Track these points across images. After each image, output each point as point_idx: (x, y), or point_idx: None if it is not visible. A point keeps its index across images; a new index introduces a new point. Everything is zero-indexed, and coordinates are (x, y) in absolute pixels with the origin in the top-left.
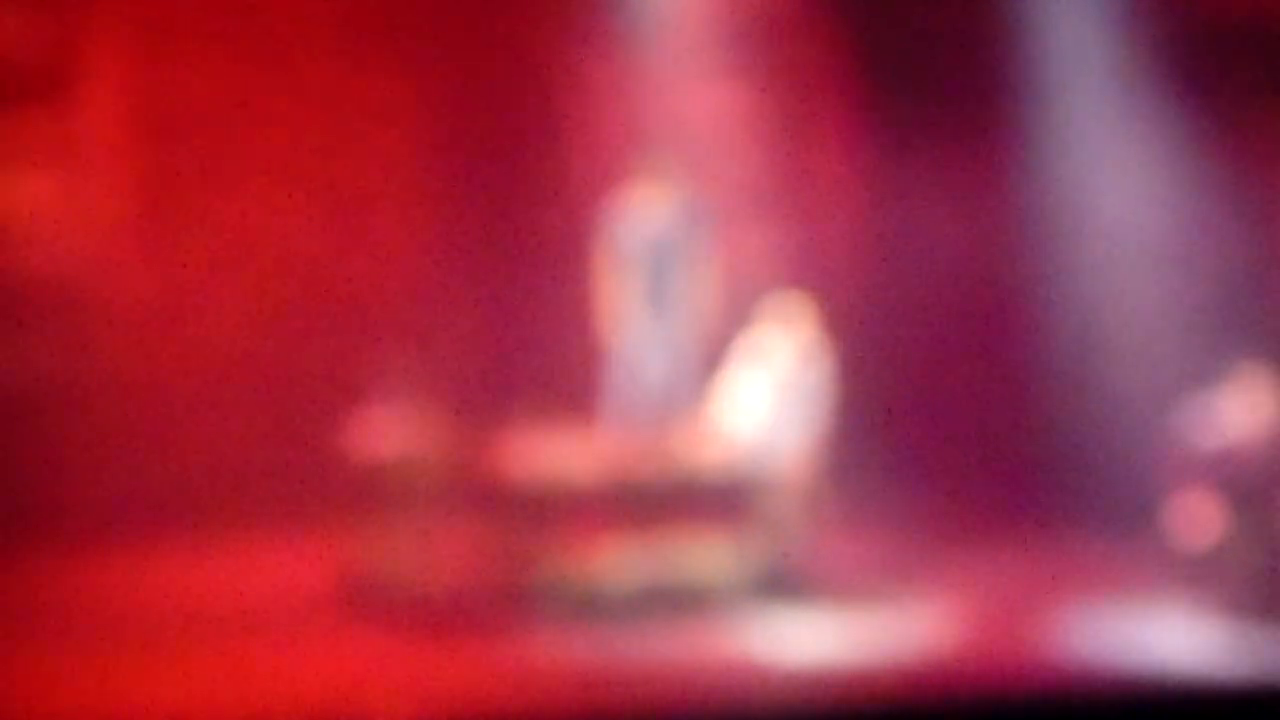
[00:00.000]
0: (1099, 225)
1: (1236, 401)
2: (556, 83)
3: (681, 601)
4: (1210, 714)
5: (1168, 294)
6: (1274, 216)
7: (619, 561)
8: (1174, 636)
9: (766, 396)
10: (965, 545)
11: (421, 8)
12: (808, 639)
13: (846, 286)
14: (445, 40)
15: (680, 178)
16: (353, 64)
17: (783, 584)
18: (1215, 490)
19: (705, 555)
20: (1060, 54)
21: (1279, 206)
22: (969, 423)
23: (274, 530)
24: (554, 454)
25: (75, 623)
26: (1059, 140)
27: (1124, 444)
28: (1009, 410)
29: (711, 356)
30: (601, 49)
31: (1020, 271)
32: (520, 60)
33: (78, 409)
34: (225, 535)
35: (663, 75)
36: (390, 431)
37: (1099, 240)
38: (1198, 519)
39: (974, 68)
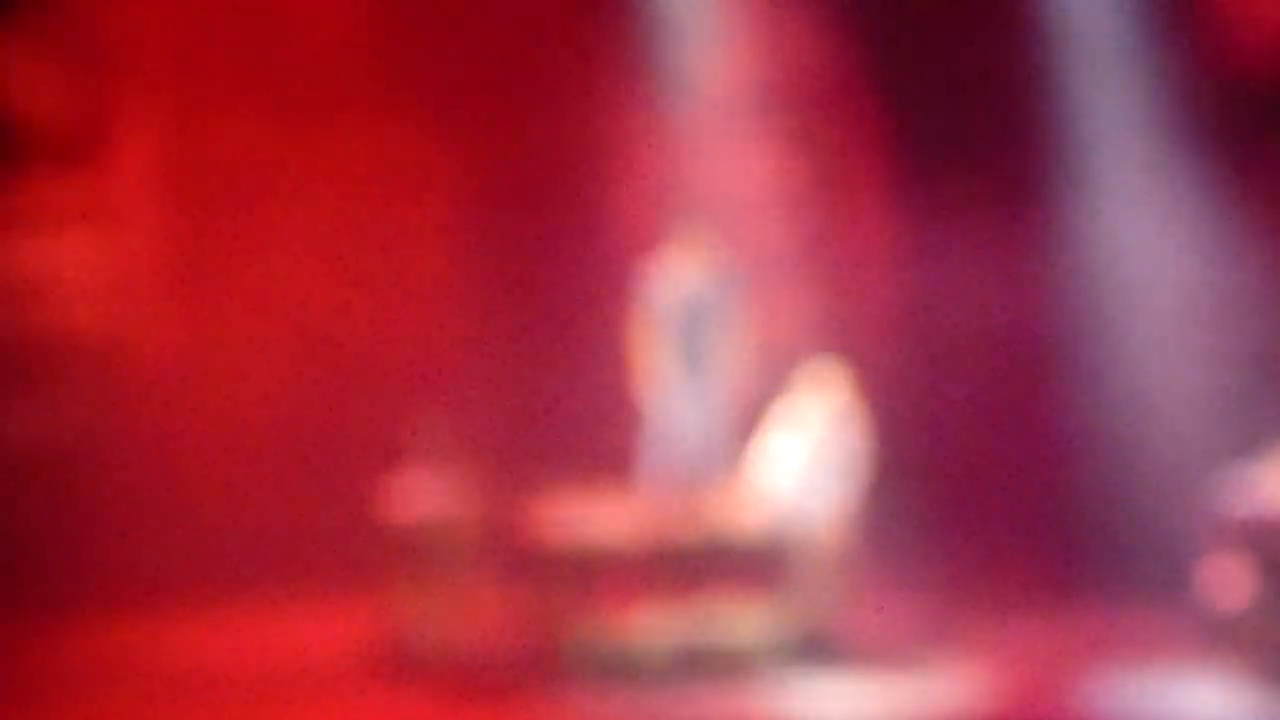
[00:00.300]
0: (1135, 293)
1: (1271, 469)
2: (594, 145)
3: (715, 665)
4: None
5: (1204, 361)
6: None
7: (653, 625)
8: (1205, 704)
9: (802, 460)
10: (999, 611)
11: (458, 68)
12: (842, 704)
13: (881, 351)
14: (482, 101)
15: (716, 241)
16: (388, 124)
17: (817, 648)
18: (1246, 557)
19: (739, 619)
20: (1095, 121)
21: None
22: (1003, 488)
23: (308, 593)
24: (589, 517)
25: (105, 685)
26: (1094, 208)
27: (1156, 510)
28: (1042, 476)
29: (747, 420)
30: (640, 113)
31: (1054, 338)
32: (558, 121)
33: (112, 469)
34: (259, 598)
35: (700, 140)
36: (424, 494)
37: (1135, 308)
38: (1229, 586)
39: (1009, 135)
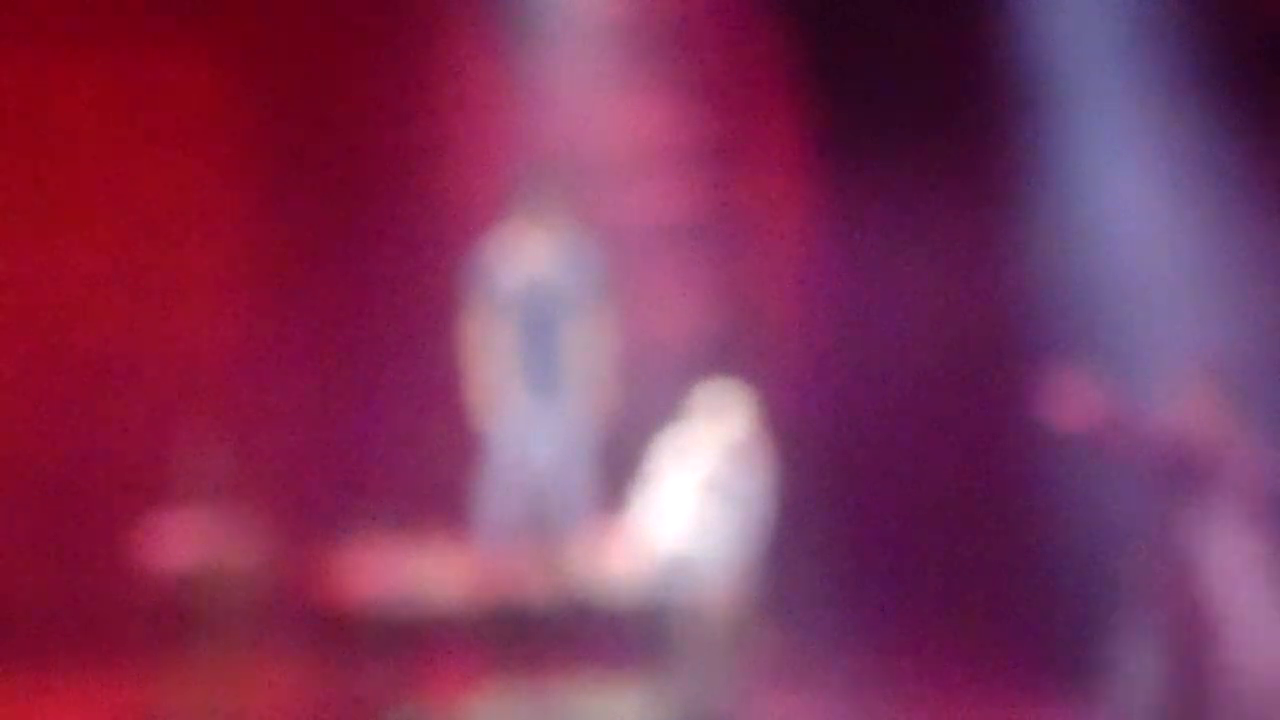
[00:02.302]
0: (1113, 272)
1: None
2: (426, 94)
3: None
4: None
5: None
6: None
7: (489, 710)
8: None
9: (687, 502)
10: (929, 700)
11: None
12: None
13: (786, 359)
14: (284, 31)
15: (575, 216)
16: (159, 56)
17: None
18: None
19: (605, 706)
20: (1044, 69)
21: None
22: (940, 531)
23: (44, 669)
24: (409, 569)
25: None
26: (1045, 166)
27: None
28: (988, 518)
29: (618, 446)
30: (486, 55)
31: (1012, 328)
32: (381, 64)
33: None
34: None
35: (563, 91)
36: (195, 540)
37: (1114, 290)
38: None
39: (943, 81)
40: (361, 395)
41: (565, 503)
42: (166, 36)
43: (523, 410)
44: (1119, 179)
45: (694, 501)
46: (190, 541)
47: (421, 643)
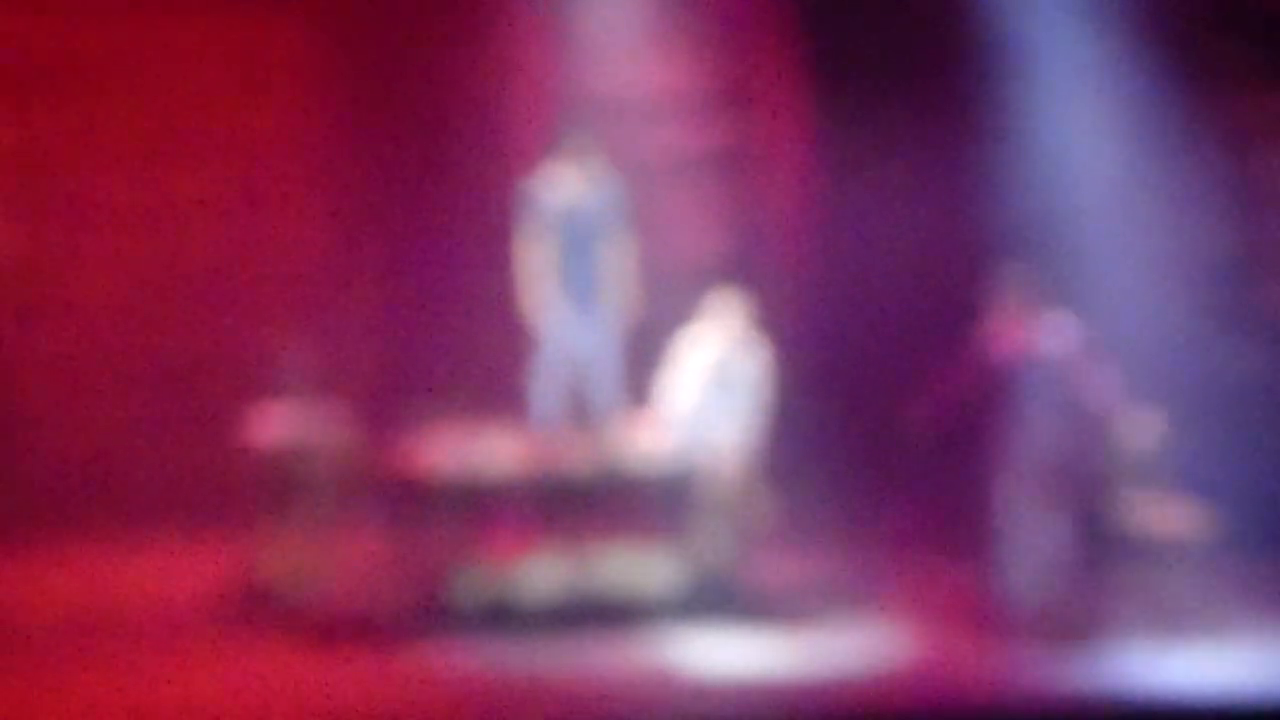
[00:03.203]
0: (1068, 208)
1: None
2: (479, 47)
3: (608, 613)
4: None
5: (1137, 279)
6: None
7: (539, 567)
8: (1106, 667)
9: (701, 388)
10: (912, 561)
11: None
12: (742, 659)
13: (785, 272)
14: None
15: (603, 152)
16: (248, 15)
17: (717, 597)
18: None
19: (635, 563)
20: (1031, 28)
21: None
22: (904, 426)
23: (165, 530)
24: (472, 448)
25: None
26: (1027, 113)
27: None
28: (963, 406)
29: (644, 344)
30: (529, 11)
31: (980, 251)
32: (441, 19)
33: None
34: (112, 535)
35: (596, 44)
36: (290, 423)
37: (1066, 216)
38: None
39: (920, 42)
40: (429, 303)
41: (600, 391)
42: (261, 7)
43: (564, 314)
44: (1073, 129)
45: (706, 388)
46: (285, 425)
47: (480, 509)
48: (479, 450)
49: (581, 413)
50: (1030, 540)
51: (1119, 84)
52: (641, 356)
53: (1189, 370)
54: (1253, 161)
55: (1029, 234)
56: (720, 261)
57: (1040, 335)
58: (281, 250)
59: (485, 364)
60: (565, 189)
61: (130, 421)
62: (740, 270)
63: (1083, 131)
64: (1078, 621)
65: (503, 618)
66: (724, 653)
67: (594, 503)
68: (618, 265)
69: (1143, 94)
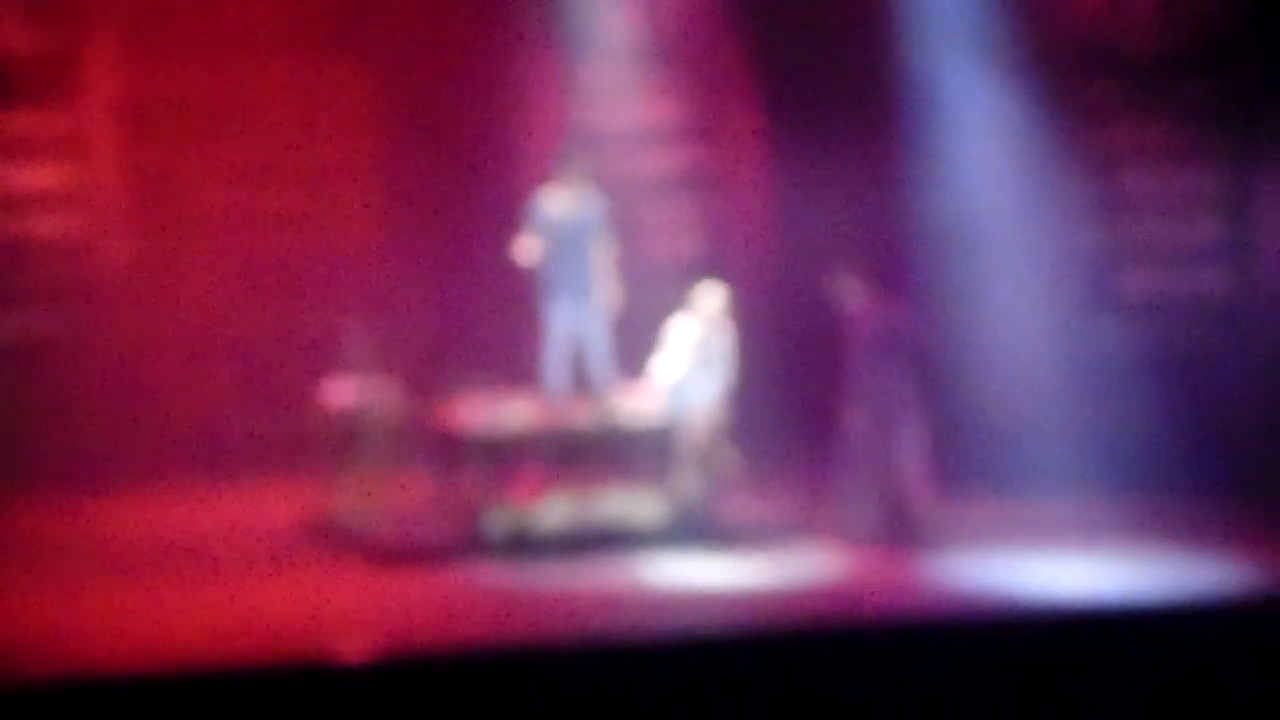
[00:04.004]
0: (972, 213)
1: None
2: (500, 88)
3: (605, 542)
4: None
5: (1028, 273)
6: (1118, 212)
7: (552, 505)
8: (1062, 583)
9: (683, 360)
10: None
11: (386, 17)
12: (717, 577)
13: (748, 270)
14: (406, 46)
15: (594, 172)
16: (323, 63)
17: (697, 528)
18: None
19: (629, 501)
20: (941, 70)
21: (1122, 204)
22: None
23: (250, 476)
24: (496, 409)
25: (72, 558)
26: (940, 142)
27: (1011, 405)
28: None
29: (633, 326)
30: (540, 61)
31: (904, 253)
32: (471, 66)
33: (78, 365)
34: (208, 481)
35: (593, 84)
36: (353, 389)
37: (973, 225)
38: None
39: (867, 81)
40: (464, 295)
41: (596, 365)
42: (326, 44)
43: (566, 303)
44: (974, 151)
45: (688, 359)
46: (350, 392)
47: (505, 459)
48: (503, 412)
49: (583, 382)
50: (873, 465)
51: (1014, 115)
52: (637, 338)
53: (1063, 346)
54: (1118, 177)
55: (940, 235)
56: (696, 262)
57: (879, 314)
58: (345, 253)
59: (507, 344)
60: (562, 203)
61: (226, 390)
62: (712, 269)
63: (983, 152)
64: (917, 534)
65: (523, 546)
66: (699, 573)
67: (595, 453)
68: (604, 265)
69: (1032, 123)
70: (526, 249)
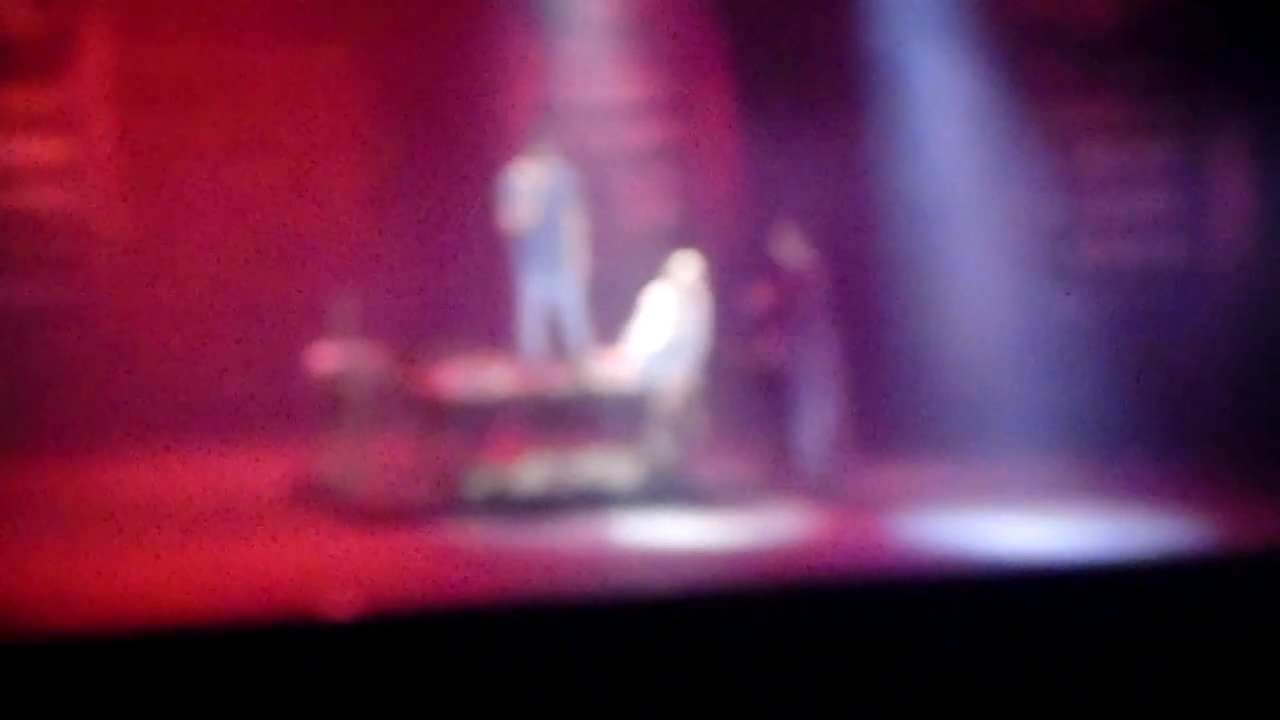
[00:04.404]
0: (932, 186)
1: None
2: (481, 65)
3: (584, 503)
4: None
5: (988, 243)
6: (1073, 184)
7: (530, 466)
8: (1027, 542)
9: (657, 327)
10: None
11: None
12: (689, 536)
13: (717, 236)
14: (389, 25)
15: (563, 146)
16: (310, 42)
17: (669, 490)
18: None
19: (605, 463)
20: (903, 49)
21: (1078, 176)
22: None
23: (243, 440)
24: (476, 375)
25: (67, 515)
26: (903, 116)
27: (976, 372)
28: (868, 342)
29: (609, 295)
30: (519, 37)
31: (870, 223)
32: (452, 44)
33: (78, 332)
34: (202, 444)
35: (569, 56)
36: (340, 356)
37: (935, 197)
38: None
39: (832, 59)
40: (445, 266)
41: (571, 331)
42: (314, 23)
43: (540, 272)
44: (934, 125)
45: (662, 326)
46: (337, 358)
47: (484, 422)
48: (483, 377)
49: (559, 348)
50: (811, 420)
51: (972, 92)
52: (614, 305)
53: (1021, 313)
54: (1076, 151)
55: (906, 205)
56: (671, 232)
57: (797, 277)
58: (332, 224)
59: (486, 312)
60: (534, 176)
61: (218, 356)
62: (687, 238)
63: (943, 127)
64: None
65: (502, 506)
66: (673, 532)
67: (571, 417)
68: (577, 236)
69: (990, 99)
70: (517, 216)
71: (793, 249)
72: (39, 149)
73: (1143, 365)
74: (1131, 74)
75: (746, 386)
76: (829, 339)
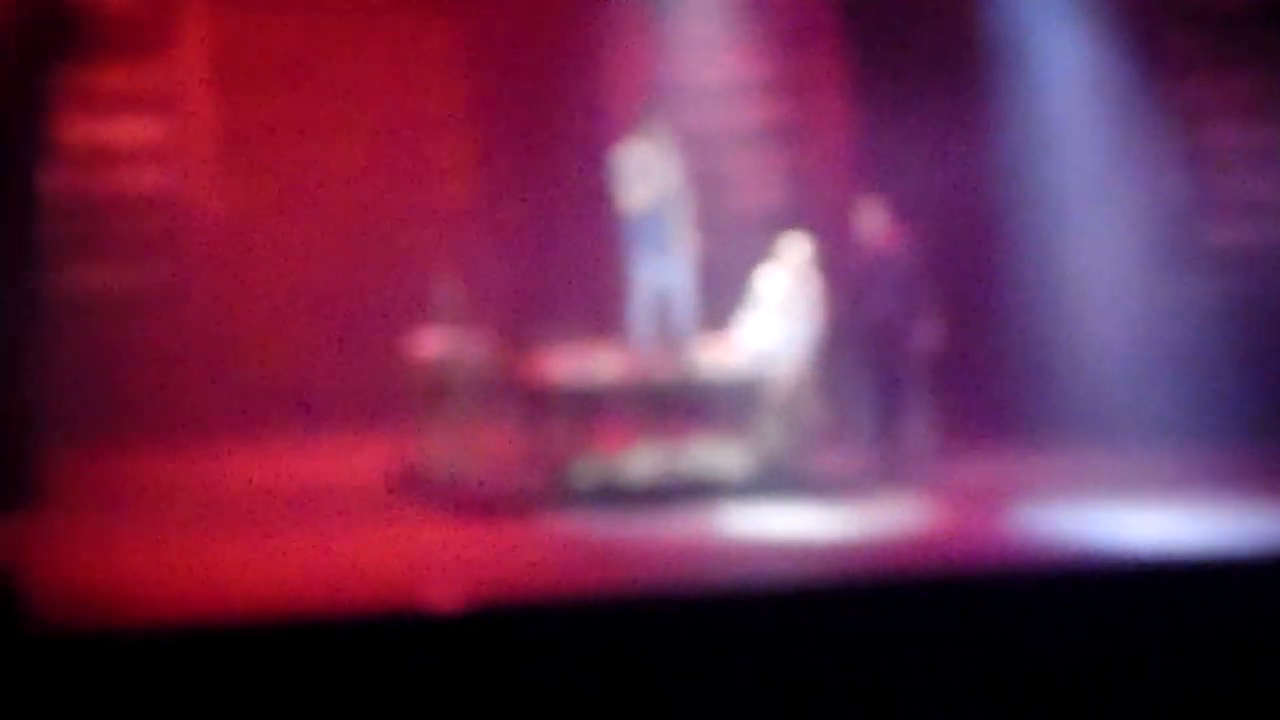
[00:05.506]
0: (1056, 165)
1: None
2: (588, 45)
3: (693, 493)
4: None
5: (1112, 226)
6: (1201, 164)
7: (639, 456)
8: (1130, 535)
9: (768, 313)
10: (944, 453)
11: None
12: (799, 527)
13: (830, 219)
14: (494, 4)
15: (675, 128)
16: (414, 23)
17: (780, 480)
18: None
19: (715, 452)
20: (1023, 23)
21: (1206, 156)
22: (948, 344)
23: (343, 427)
24: (584, 361)
25: (167, 508)
26: (1024, 95)
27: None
28: (982, 332)
29: (721, 279)
30: (629, 17)
31: (991, 209)
32: (559, 24)
33: (174, 317)
34: (301, 431)
35: (679, 35)
36: (444, 342)
37: (1057, 179)
38: None
39: (949, 35)
40: (551, 247)
41: (682, 317)
42: (423, 7)
43: (650, 257)
44: (1059, 106)
45: (772, 313)
46: (440, 343)
47: (592, 410)
48: (590, 364)
49: (668, 334)
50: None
51: (1098, 69)
52: (723, 290)
53: (1148, 298)
54: (1206, 130)
55: (1026, 189)
56: (782, 214)
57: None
58: (435, 206)
59: (594, 297)
60: (645, 157)
61: (318, 342)
62: (798, 221)
63: (1066, 107)
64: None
65: (610, 496)
66: (783, 523)
67: (681, 405)
68: (687, 218)
69: (1115, 76)
70: (631, 198)
71: (878, 226)
72: (137, 129)
73: (1273, 351)
74: (1263, 49)
75: (852, 372)
76: (928, 320)
